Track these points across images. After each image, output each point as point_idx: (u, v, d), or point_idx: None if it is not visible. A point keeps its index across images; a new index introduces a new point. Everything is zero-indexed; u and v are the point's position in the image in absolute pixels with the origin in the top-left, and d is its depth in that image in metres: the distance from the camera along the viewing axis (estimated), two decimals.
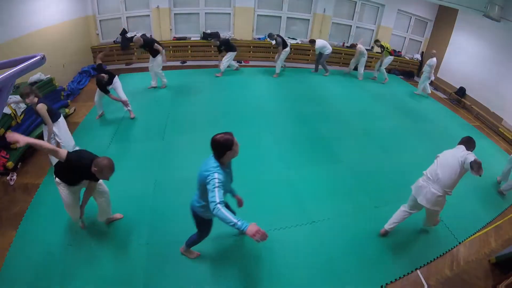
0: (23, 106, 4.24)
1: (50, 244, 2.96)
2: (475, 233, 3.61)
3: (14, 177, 3.82)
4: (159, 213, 3.40)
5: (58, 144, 3.73)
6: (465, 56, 7.70)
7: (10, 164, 3.86)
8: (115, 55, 8.04)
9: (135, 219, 3.30)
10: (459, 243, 3.41)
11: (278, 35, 7.59)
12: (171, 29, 8.34)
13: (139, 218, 3.32)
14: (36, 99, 3.46)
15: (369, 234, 3.37)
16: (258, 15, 8.72)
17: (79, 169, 2.50)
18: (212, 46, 8.44)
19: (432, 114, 6.82)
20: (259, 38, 8.88)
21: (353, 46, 8.90)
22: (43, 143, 2.41)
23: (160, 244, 3.04)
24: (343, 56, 9.34)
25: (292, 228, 3.32)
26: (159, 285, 2.68)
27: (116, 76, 5.15)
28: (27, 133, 4.33)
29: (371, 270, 2.97)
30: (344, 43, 9.42)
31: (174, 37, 8.43)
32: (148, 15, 8.13)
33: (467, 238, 3.50)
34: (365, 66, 8.41)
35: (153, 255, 2.93)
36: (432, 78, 7.50)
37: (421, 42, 9.86)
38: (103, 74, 4.67)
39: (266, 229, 3.10)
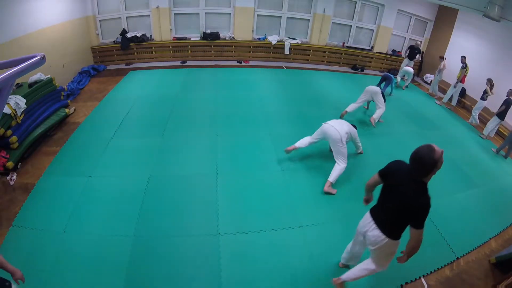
0: (23, 106, 4.24)
1: (41, 237, 3.01)
2: (475, 248, 3.42)
3: (14, 177, 3.82)
4: (150, 207, 3.44)
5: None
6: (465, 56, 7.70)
7: (10, 164, 3.86)
8: (115, 55, 8.04)
9: (124, 212, 3.35)
10: (457, 258, 3.26)
11: None
12: (171, 29, 8.34)
13: (129, 211, 3.36)
14: None
15: None
16: (258, 15, 8.72)
17: None
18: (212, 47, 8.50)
19: (441, 121, 6.66)
20: (259, 38, 8.88)
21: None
22: None
23: (147, 237, 3.08)
24: (343, 56, 9.35)
25: (279, 231, 3.27)
26: (142, 276, 2.70)
27: None
28: (27, 134, 4.33)
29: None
30: (344, 43, 9.42)
31: (174, 37, 8.43)
32: (148, 15, 8.13)
33: (465, 254, 3.33)
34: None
35: (138, 247, 2.96)
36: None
37: (421, 42, 9.86)
38: None
39: (252, 230, 3.22)
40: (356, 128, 4.26)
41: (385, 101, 5.58)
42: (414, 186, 1.90)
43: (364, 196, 2.56)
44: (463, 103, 7.84)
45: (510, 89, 5.77)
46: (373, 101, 5.61)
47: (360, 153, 4.76)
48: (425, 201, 1.84)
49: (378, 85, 6.42)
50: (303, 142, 4.17)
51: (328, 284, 2.79)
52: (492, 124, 6.12)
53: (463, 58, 7.11)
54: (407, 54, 8.42)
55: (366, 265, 2.41)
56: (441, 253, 3.26)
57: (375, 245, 2.20)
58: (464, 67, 7.09)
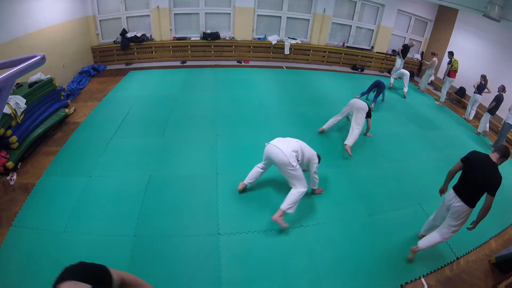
0: (23, 106, 4.24)
1: (41, 237, 3.01)
2: (475, 248, 3.42)
3: (14, 177, 3.82)
4: (150, 207, 3.44)
5: None
6: (465, 56, 7.71)
7: (10, 164, 3.86)
8: (115, 55, 8.04)
9: (125, 212, 3.35)
10: (457, 258, 3.26)
11: None
12: (171, 29, 8.34)
13: (129, 211, 3.36)
14: None
15: (357, 242, 3.25)
16: (258, 15, 8.72)
17: None
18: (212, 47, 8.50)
19: (441, 121, 6.66)
20: (259, 38, 8.88)
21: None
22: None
23: (147, 237, 3.08)
24: (343, 56, 9.35)
25: (279, 231, 3.27)
26: (142, 276, 2.65)
27: None
28: (27, 134, 4.33)
29: (353, 278, 2.87)
30: (344, 43, 9.42)
31: (174, 37, 8.43)
32: (148, 15, 8.13)
33: (465, 254, 3.33)
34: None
35: (139, 247, 2.96)
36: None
37: (421, 42, 9.87)
38: None
39: (252, 230, 3.23)
40: (319, 158, 3.57)
41: (370, 117, 4.91)
42: (492, 167, 2.66)
43: (442, 186, 3.09)
44: (463, 103, 7.85)
45: (502, 85, 5.94)
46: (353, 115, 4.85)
47: (315, 192, 3.78)
48: (500, 176, 2.61)
49: (367, 91, 6.33)
50: (252, 175, 3.62)
51: (328, 284, 2.80)
52: (485, 119, 6.23)
53: (449, 54, 7.39)
54: (399, 53, 8.32)
55: (438, 233, 2.95)
56: (441, 253, 3.26)
57: (457, 213, 2.79)
58: (450, 62, 7.31)
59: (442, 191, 3.10)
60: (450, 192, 2.91)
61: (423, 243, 3.00)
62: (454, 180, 2.96)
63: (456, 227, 2.86)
